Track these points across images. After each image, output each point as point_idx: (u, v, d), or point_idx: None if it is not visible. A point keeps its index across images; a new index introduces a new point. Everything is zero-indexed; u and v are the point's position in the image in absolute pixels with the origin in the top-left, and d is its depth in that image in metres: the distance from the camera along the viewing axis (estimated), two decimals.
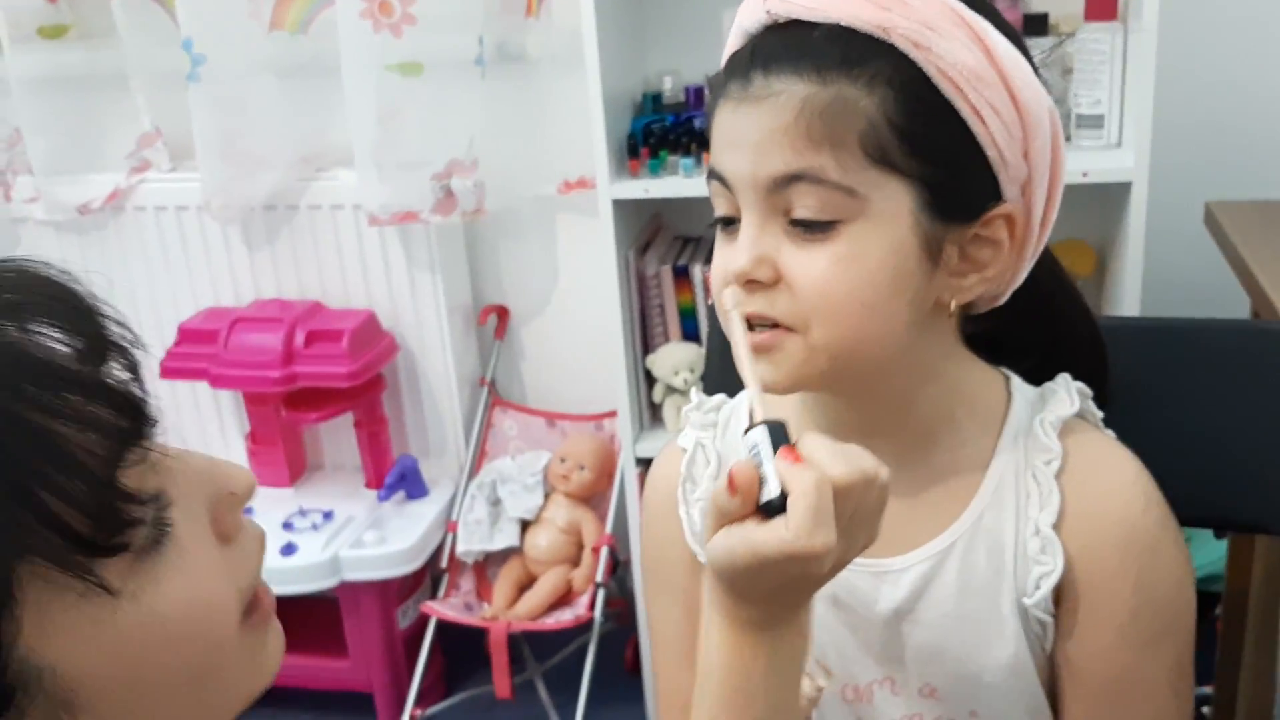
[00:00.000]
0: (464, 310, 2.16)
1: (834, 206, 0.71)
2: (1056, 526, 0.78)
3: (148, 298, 2.18)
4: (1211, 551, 1.87)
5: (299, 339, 1.99)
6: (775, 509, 0.64)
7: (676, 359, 1.89)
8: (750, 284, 0.74)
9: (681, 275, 1.89)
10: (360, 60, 1.86)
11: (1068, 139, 1.74)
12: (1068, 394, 0.83)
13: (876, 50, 0.70)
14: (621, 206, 1.82)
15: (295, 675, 2.10)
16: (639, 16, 1.94)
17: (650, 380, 1.96)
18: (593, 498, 2.08)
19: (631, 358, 1.91)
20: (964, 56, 0.70)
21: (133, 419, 0.50)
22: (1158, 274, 1.69)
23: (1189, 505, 1.03)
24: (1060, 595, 0.80)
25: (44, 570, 0.46)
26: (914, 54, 0.70)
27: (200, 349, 2.03)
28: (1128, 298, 1.66)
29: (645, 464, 1.88)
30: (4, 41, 2.05)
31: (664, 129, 1.81)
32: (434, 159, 1.93)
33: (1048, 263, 0.84)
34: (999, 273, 0.77)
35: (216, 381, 2.02)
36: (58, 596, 0.47)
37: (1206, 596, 1.89)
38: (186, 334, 2.07)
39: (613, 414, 2.05)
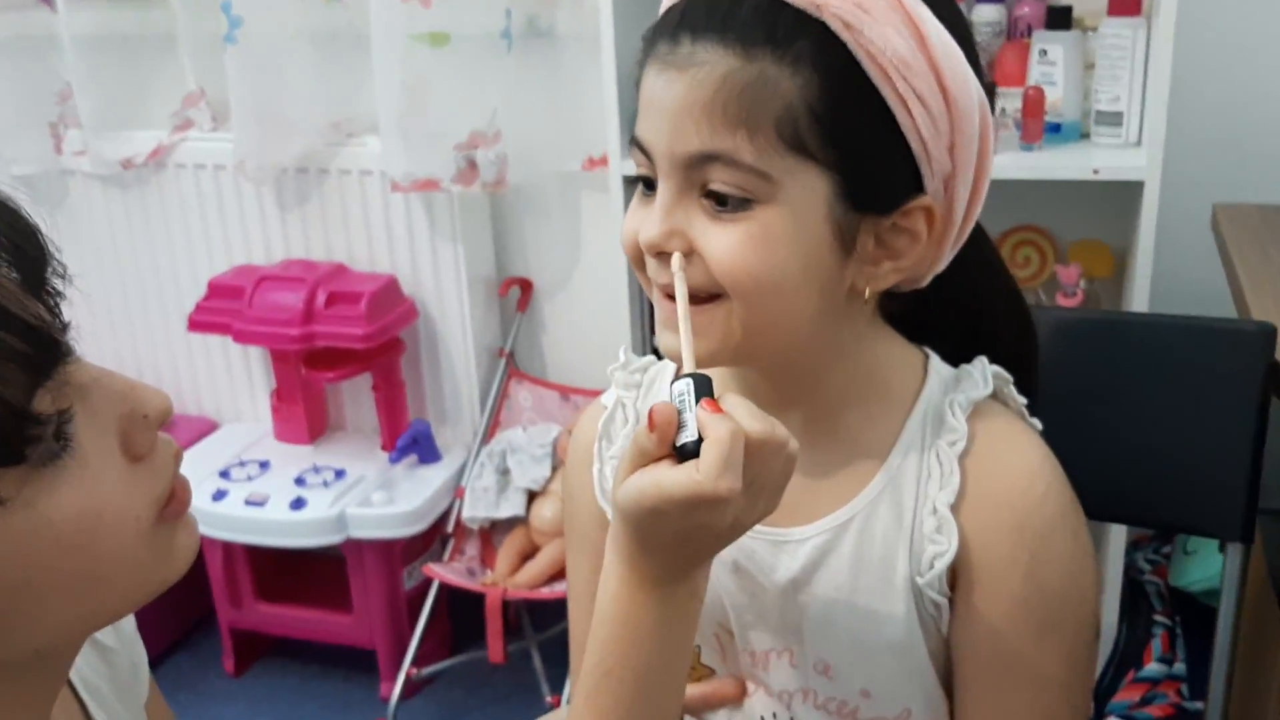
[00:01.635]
0: (486, 281, 2.19)
1: (748, 187, 0.71)
2: (954, 507, 0.78)
3: (184, 252, 2.25)
4: (1215, 564, 1.83)
5: (320, 299, 2.04)
6: (689, 453, 0.65)
7: None
8: (662, 255, 0.74)
9: None
10: (388, 28, 1.89)
11: (1086, 135, 1.71)
12: (982, 376, 0.82)
13: (806, 28, 0.69)
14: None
15: (300, 627, 2.16)
16: None
17: (659, 359, 1.97)
18: None
19: (640, 336, 1.93)
20: (895, 42, 0.69)
21: (45, 351, 0.53)
22: (1170, 276, 1.66)
23: (1124, 504, 1.03)
24: (956, 577, 0.79)
25: None
26: (843, 34, 0.69)
27: (227, 304, 2.09)
28: (1138, 298, 1.64)
29: None
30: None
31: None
32: (457, 129, 1.96)
33: (979, 246, 0.84)
34: (914, 263, 0.76)
35: (239, 336, 2.07)
36: None
37: (1209, 610, 1.85)
38: (216, 289, 2.13)
39: None
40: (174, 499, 0.61)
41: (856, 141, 0.71)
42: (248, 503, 2.03)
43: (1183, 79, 1.54)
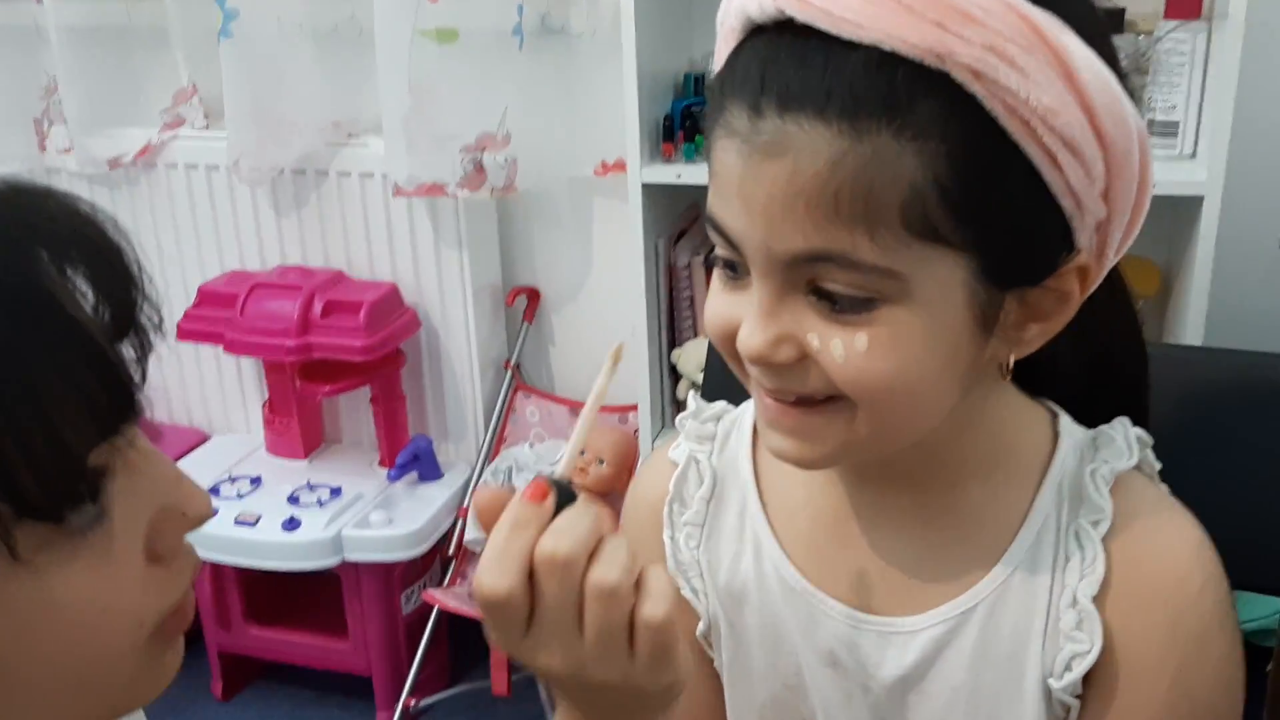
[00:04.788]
0: (492, 290, 2.09)
1: (870, 286, 0.58)
2: (1098, 599, 0.67)
3: (173, 256, 2.14)
4: (1266, 605, 1.73)
5: (317, 308, 1.93)
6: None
7: (703, 356, 1.79)
8: (769, 365, 0.62)
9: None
10: (393, 23, 1.79)
11: None
12: (1125, 443, 0.70)
13: (926, 85, 0.55)
14: (653, 192, 1.72)
15: (292, 652, 2.06)
16: None
17: (676, 375, 1.87)
18: (610, 494, 1.99)
19: (657, 351, 1.83)
20: (1038, 86, 0.55)
21: (120, 404, 0.48)
22: (1226, 300, 1.55)
23: (1237, 565, 0.92)
24: (1091, 676, 0.68)
25: None
26: (973, 87, 0.55)
27: (218, 312, 1.99)
28: (1191, 324, 1.53)
29: None
30: None
31: (704, 113, 1.71)
32: (465, 131, 1.86)
33: (1111, 281, 0.70)
34: (1063, 321, 0.65)
35: (231, 347, 1.97)
36: None
37: (1259, 651, 1.75)
38: (206, 296, 2.02)
39: (636, 407, 1.96)
40: (179, 614, 0.54)
41: (997, 213, 0.58)
42: (238, 522, 1.93)
43: (1247, 87, 1.43)
